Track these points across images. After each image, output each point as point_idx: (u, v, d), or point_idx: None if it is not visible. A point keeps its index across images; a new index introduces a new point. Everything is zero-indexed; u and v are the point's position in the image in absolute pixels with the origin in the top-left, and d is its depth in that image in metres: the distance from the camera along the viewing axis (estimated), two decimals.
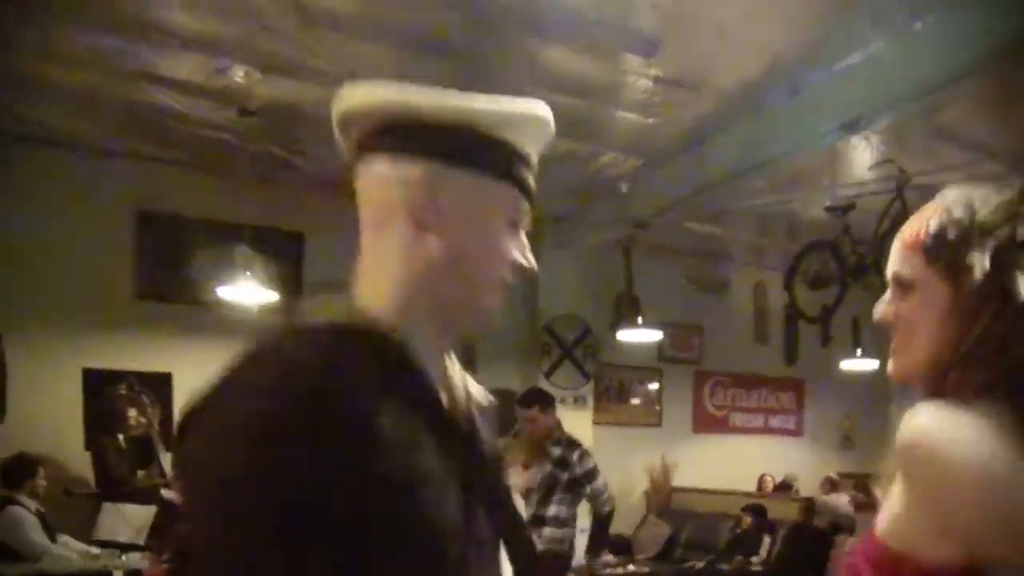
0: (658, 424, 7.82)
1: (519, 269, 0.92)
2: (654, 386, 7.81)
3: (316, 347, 0.80)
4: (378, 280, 0.87)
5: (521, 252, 0.92)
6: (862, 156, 5.02)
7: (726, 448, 8.26)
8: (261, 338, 0.84)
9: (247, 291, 5.14)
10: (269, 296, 5.27)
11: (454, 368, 0.95)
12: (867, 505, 5.82)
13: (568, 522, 4.36)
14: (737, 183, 5.10)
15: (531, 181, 0.91)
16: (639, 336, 6.55)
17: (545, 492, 4.26)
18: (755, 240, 7.27)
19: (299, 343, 0.81)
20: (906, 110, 4.08)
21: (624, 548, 6.47)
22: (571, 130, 4.95)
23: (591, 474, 4.43)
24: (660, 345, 7.47)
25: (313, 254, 6.10)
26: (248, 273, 5.11)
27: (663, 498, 7.58)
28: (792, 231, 6.84)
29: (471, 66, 4.26)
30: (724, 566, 6.18)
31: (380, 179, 0.88)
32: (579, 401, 6.98)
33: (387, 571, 0.76)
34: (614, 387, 7.53)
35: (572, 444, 4.47)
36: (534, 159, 0.92)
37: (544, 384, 6.79)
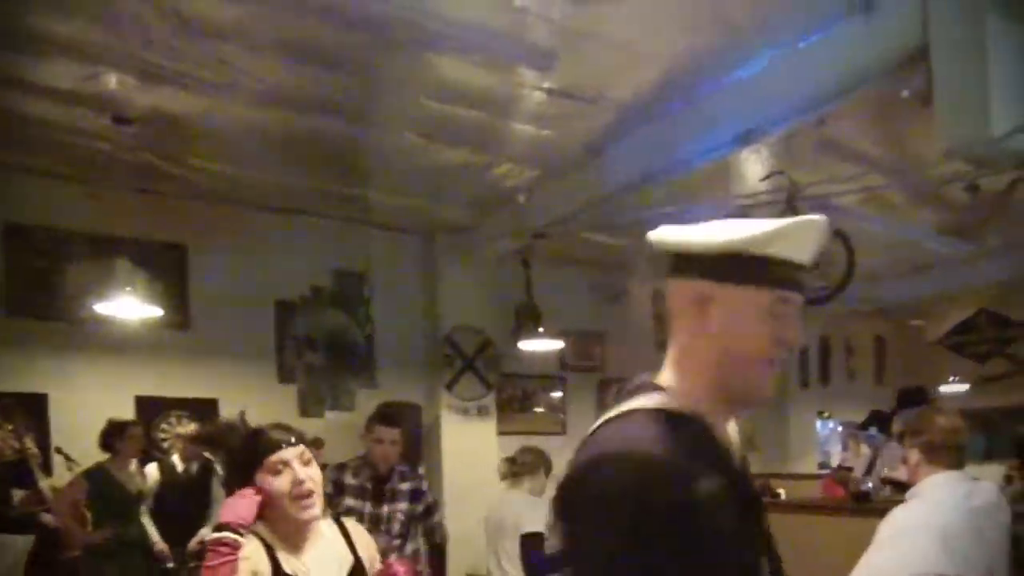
0: (563, 432, 7.79)
1: (776, 352, 1.17)
2: (558, 395, 7.79)
3: (659, 431, 1.09)
4: (677, 369, 1.20)
5: (782, 335, 1.17)
6: (755, 168, 5.12)
7: None
8: (615, 423, 1.15)
9: (127, 306, 4.88)
10: (151, 311, 5.01)
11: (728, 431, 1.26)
12: (772, 504, 5.92)
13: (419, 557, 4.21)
14: (635, 194, 5.12)
15: (796, 277, 1.17)
16: (540, 345, 6.52)
17: (403, 527, 4.01)
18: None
19: (638, 425, 1.11)
20: (796, 123, 4.15)
21: None
22: (467, 141, 4.88)
23: (435, 504, 4.30)
24: (562, 354, 7.46)
25: (197, 267, 5.82)
26: (128, 288, 4.84)
27: None
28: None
29: (358, 77, 4.14)
30: None
31: (672, 296, 1.22)
32: (482, 411, 6.91)
33: None
34: (517, 397, 7.47)
35: (415, 470, 4.30)
36: (803, 258, 1.17)
37: (446, 396, 6.70)
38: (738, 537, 1.09)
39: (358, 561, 2.05)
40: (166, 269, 5.69)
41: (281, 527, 1.92)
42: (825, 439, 10.30)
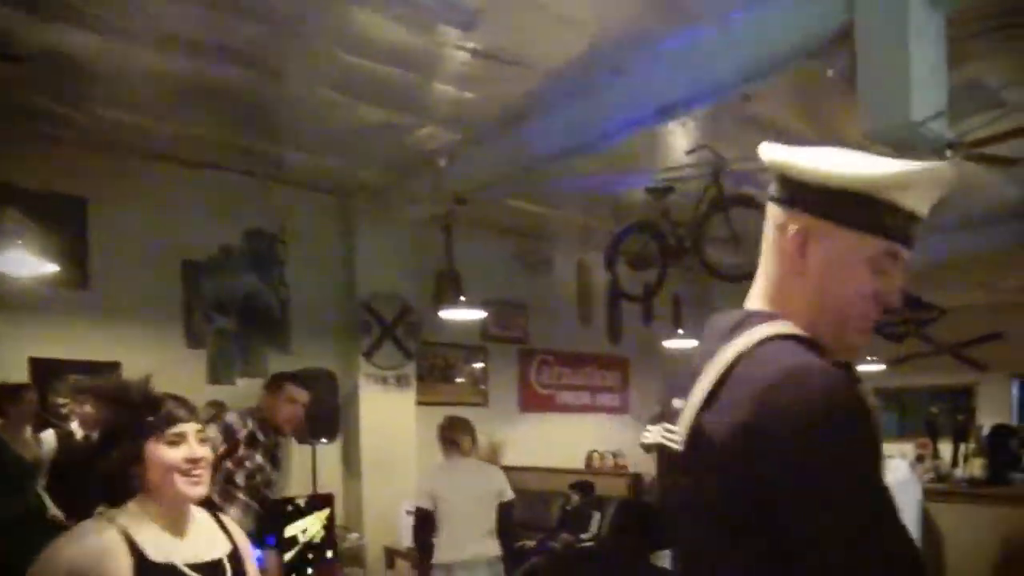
0: (484, 403, 7.73)
1: (870, 311, 1.08)
2: (479, 365, 7.69)
3: (801, 350, 1.03)
4: (773, 303, 1.11)
5: (883, 291, 1.07)
6: (681, 141, 5.07)
7: (553, 426, 8.30)
8: (761, 346, 1.05)
9: (19, 261, 4.55)
10: (46, 267, 4.69)
11: None
12: None
13: None
14: (561, 163, 5.01)
15: (910, 230, 1.06)
16: (462, 314, 6.39)
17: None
18: (579, 219, 7.26)
19: (789, 348, 1.03)
20: (721, 98, 4.09)
21: None
22: (386, 100, 4.68)
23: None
24: (484, 323, 7.36)
25: (98, 221, 5.47)
26: (20, 241, 4.51)
27: None
28: (616, 211, 6.89)
29: (273, 27, 3.90)
30: (554, 544, 6.19)
31: (771, 221, 1.12)
32: (402, 381, 6.76)
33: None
34: (438, 366, 7.35)
35: None
36: (923, 211, 1.06)
37: (364, 364, 6.53)
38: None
39: (235, 547, 1.94)
40: (63, 223, 5.31)
41: (157, 504, 1.81)
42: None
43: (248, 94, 4.65)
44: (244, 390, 5.97)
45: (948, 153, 4.60)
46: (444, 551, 4.31)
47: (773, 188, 1.12)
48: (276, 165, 5.69)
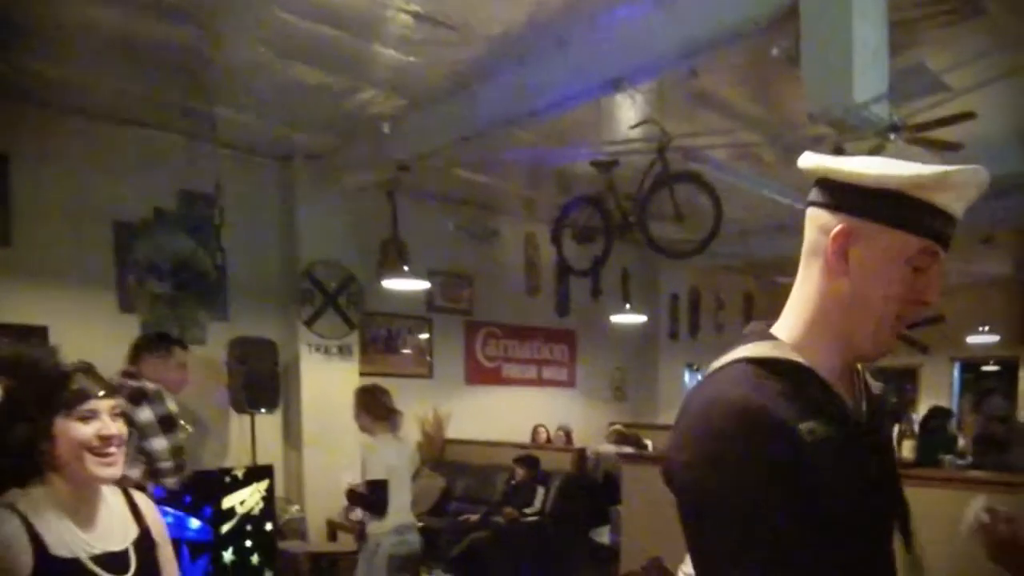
0: (429, 375, 7.65)
1: (909, 308, 1.12)
2: (424, 336, 7.59)
3: (747, 376, 1.10)
4: (799, 308, 1.16)
5: (918, 290, 1.11)
6: (627, 114, 4.99)
7: (499, 399, 8.25)
8: (716, 372, 1.15)
9: None
10: None
11: (855, 376, 1.22)
12: (637, 456, 5.99)
13: None
14: (505, 132, 4.91)
15: (946, 230, 1.10)
16: (407, 284, 6.27)
17: None
18: (525, 191, 7.17)
19: (736, 375, 1.11)
20: (668, 72, 4.02)
21: None
22: (327, 61, 4.52)
23: None
24: (430, 294, 7.26)
25: (22, 178, 5.21)
26: None
27: (436, 450, 7.47)
28: (561, 184, 6.82)
29: None
30: (498, 518, 6.18)
31: (812, 225, 1.15)
32: (344, 351, 6.63)
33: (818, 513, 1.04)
34: (381, 337, 7.23)
35: None
36: (958, 211, 1.10)
37: (305, 333, 6.40)
38: (836, 482, 1.07)
39: (145, 531, 1.83)
40: None
41: (65, 487, 1.69)
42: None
43: (182, 50, 4.44)
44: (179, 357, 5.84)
45: (891, 136, 4.60)
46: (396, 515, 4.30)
47: (814, 193, 1.16)
48: (212, 125, 5.46)
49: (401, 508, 4.30)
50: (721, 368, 1.15)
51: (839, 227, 1.10)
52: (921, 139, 4.64)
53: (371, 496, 4.19)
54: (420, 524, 4.64)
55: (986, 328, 10.17)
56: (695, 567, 1.09)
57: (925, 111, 4.19)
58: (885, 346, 1.15)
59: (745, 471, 1.03)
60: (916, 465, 5.26)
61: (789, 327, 1.17)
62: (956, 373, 11.51)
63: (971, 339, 10.34)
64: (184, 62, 4.59)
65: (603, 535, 6.42)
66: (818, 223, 1.14)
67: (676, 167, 5.01)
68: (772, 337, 1.17)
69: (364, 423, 4.32)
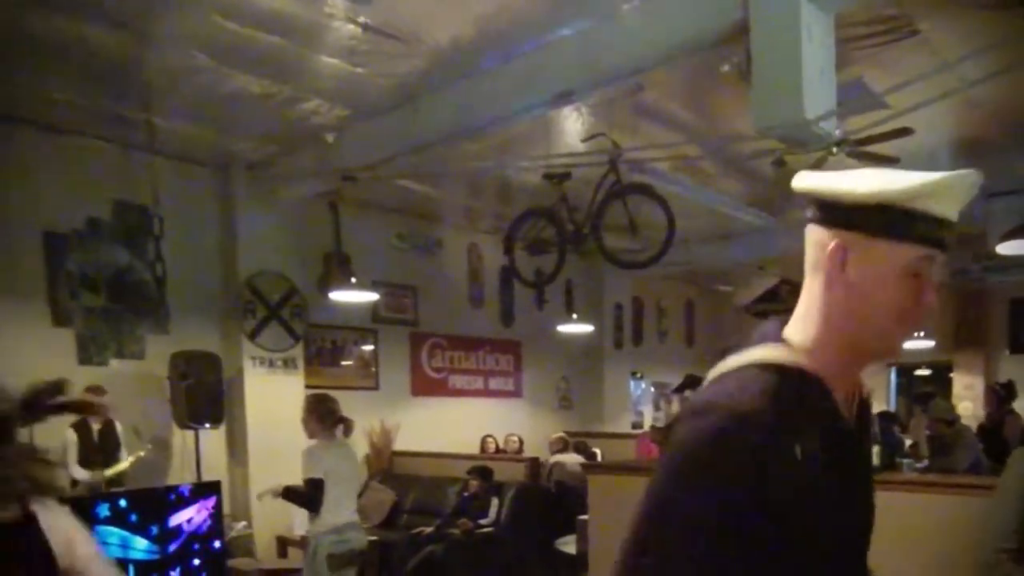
0: (375, 387, 7.54)
1: (911, 313, 1.13)
2: (369, 348, 7.49)
3: (756, 382, 1.11)
4: (806, 320, 1.18)
5: (916, 295, 1.13)
6: (575, 127, 5.01)
7: (446, 410, 8.18)
8: (727, 374, 1.16)
9: None
10: None
11: (856, 385, 1.25)
12: (598, 466, 5.97)
13: None
14: (451, 144, 4.87)
15: (941, 235, 1.12)
16: (354, 296, 6.18)
17: None
18: (468, 202, 7.14)
19: (745, 379, 1.12)
20: (615, 87, 4.05)
21: None
22: (268, 70, 4.42)
23: None
24: (375, 305, 7.16)
25: None
26: None
27: (384, 463, 7.37)
28: (505, 195, 6.81)
29: None
30: (454, 530, 6.11)
31: (811, 242, 1.18)
32: (288, 364, 6.50)
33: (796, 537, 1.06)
34: (326, 349, 7.11)
35: None
36: (952, 215, 1.12)
37: (249, 346, 6.24)
38: (822, 497, 1.09)
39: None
40: None
41: None
42: (638, 399, 10.67)
43: (114, 56, 4.28)
44: (120, 371, 5.64)
45: (835, 150, 4.72)
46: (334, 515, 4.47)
47: (810, 212, 1.18)
48: (148, 134, 5.29)
49: (339, 508, 4.44)
50: (733, 370, 1.16)
51: (835, 243, 1.13)
52: (861, 153, 4.78)
53: (305, 494, 4.35)
54: (373, 537, 4.78)
55: (921, 334, 10.51)
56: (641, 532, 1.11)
57: (864, 126, 4.31)
58: (892, 352, 1.18)
59: (707, 499, 1.05)
60: (880, 470, 5.43)
61: (800, 331, 1.19)
62: (892, 377, 11.89)
63: (907, 344, 10.64)
64: (118, 68, 4.43)
65: (570, 545, 6.41)
66: (816, 239, 1.17)
67: (628, 179, 5.05)
68: (783, 340, 1.19)
69: (312, 428, 4.49)
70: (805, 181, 1.19)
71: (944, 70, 3.49)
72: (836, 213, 1.14)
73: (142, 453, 5.46)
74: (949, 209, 1.12)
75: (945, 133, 5.38)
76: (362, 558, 4.59)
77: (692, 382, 7.41)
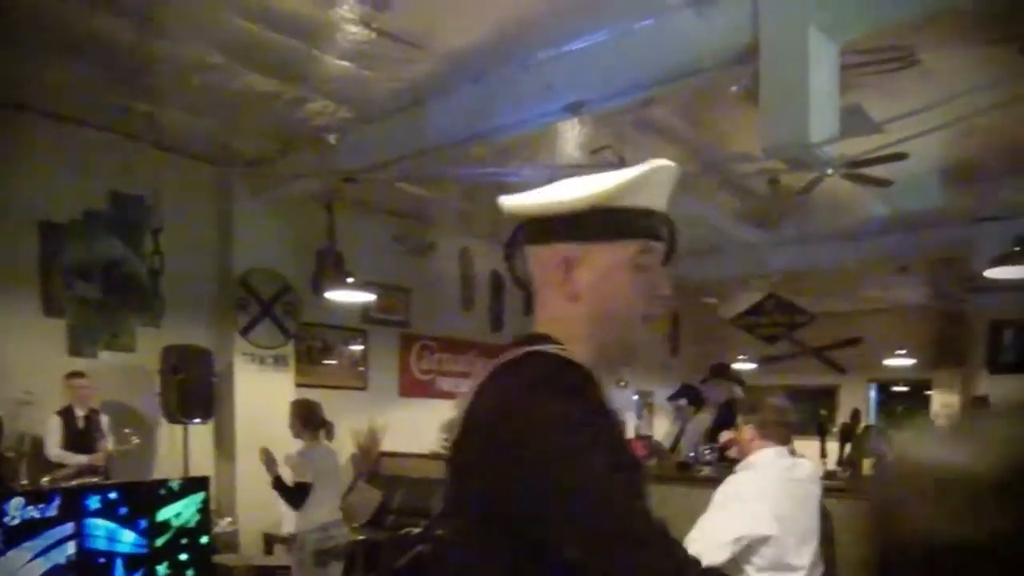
0: (364, 387, 7.55)
1: (650, 307, 1.14)
2: (359, 348, 7.50)
3: (550, 369, 1.09)
4: (557, 335, 1.13)
5: (651, 289, 1.14)
6: (575, 138, 5.06)
7: (434, 412, 8.15)
8: (515, 364, 1.11)
9: None
10: None
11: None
12: None
13: None
14: (455, 149, 4.91)
15: (655, 225, 1.13)
16: (348, 296, 6.19)
17: None
18: (463, 205, 7.16)
19: (543, 368, 1.10)
20: (624, 102, 4.11)
21: None
22: (277, 69, 4.45)
23: None
24: (366, 306, 7.17)
25: None
26: None
27: (372, 463, 7.38)
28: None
29: None
30: (442, 531, 6.10)
31: (534, 264, 1.17)
32: (280, 361, 6.51)
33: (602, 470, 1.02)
34: (317, 347, 7.11)
35: None
36: (660, 205, 1.14)
37: (241, 342, 6.24)
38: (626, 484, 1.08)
39: None
40: None
41: None
42: (622, 407, 10.74)
43: (126, 47, 4.28)
44: (110, 363, 5.62)
45: (829, 171, 4.81)
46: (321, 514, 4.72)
47: (523, 234, 1.17)
48: (150, 125, 5.28)
49: (326, 508, 4.71)
50: (509, 363, 1.11)
51: (558, 258, 1.12)
52: (855, 175, 4.88)
53: (293, 492, 4.61)
54: (360, 537, 5.04)
55: (903, 351, 10.68)
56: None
57: (861, 152, 4.40)
58: (640, 347, 1.17)
59: (561, 450, 1.01)
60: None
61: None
62: (872, 393, 12.07)
63: (888, 362, 10.83)
64: (126, 58, 4.42)
65: None
66: (538, 258, 1.16)
67: None
68: (553, 341, 1.14)
69: (297, 431, 4.73)
70: (510, 202, 1.17)
71: (944, 102, 3.58)
72: (550, 228, 1.13)
73: (129, 444, 5.44)
74: (655, 200, 1.13)
75: (938, 159, 5.49)
76: (347, 554, 4.80)
77: (688, 391, 7.49)
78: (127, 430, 5.49)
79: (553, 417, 1.02)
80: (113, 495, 4.13)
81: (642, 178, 1.10)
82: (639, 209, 1.11)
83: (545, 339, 1.14)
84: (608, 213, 1.10)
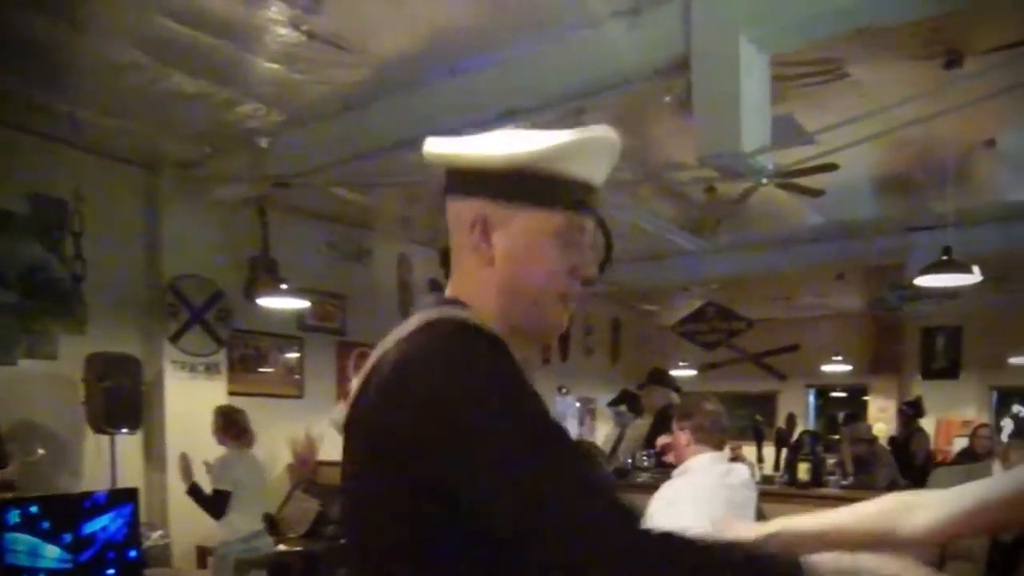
0: (300, 396, 7.39)
1: (569, 286, 1.06)
2: (294, 355, 7.35)
3: (464, 335, 1.01)
4: (470, 300, 1.06)
5: (575, 264, 1.05)
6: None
7: None
8: (429, 328, 1.03)
9: None
10: None
11: None
12: None
13: None
14: (390, 155, 4.84)
15: (589, 199, 1.05)
16: (283, 303, 6.06)
17: None
18: (400, 211, 7.09)
19: (453, 333, 1.02)
20: (557, 111, 4.10)
21: (269, 526, 6.01)
22: (205, 71, 4.31)
23: None
24: (301, 313, 7.04)
25: None
26: None
27: (309, 472, 7.22)
28: (441, 206, 6.78)
29: None
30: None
31: (452, 217, 1.10)
32: (211, 369, 6.32)
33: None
34: (251, 355, 6.93)
35: None
36: (596, 179, 1.05)
37: (171, 349, 6.05)
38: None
39: None
40: None
41: None
42: (563, 414, 10.74)
43: (45, 44, 4.10)
44: (29, 371, 5.38)
45: (763, 180, 4.86)
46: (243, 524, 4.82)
47: (446, 182, 1.09)
48: (71, 127, 5.08)
49: (247, 518, 4.79)
50: (416, 329, 1.05)
51: (475, 215, 1.04)
52: (788, 184, 4.94)
53: (210, 500, 4.67)
54: (298, 548, 5.16)
55: (839, 358, 10.94)
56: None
57: (793, 162, 4.47)
58: (555, 330, 1.10)
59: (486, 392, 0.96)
60: (813, 485, 5.68)
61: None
62: (811, 399, 12.34)
63: (826, 367, 11.08)
64: (45, 57, 4.25)
65: None
66: (456, 213, 1.08)
67: None
68: (463, 304, 1.06)
69: (220, 439, 4.85)
70: (434, 147, 1.08)
71: (873, 114, 3.64)
72: (472, 181, 1.05)
73: (34, 456, 5.20)
74: (592, 172, 1.05)
75: (869, 169, 5.61)
76: (272, 566, 4.89)
77: (627, 397, 7.52)
78: (38, 445, 5.25)
79: (469, 367, 0.96)
80: (34, 509, 3.99)
81: (579, 144, 1.03)
82: (573, 179, 1.03)
83: (456, 303, 1.06)
84: (538, 177, 1.01)
